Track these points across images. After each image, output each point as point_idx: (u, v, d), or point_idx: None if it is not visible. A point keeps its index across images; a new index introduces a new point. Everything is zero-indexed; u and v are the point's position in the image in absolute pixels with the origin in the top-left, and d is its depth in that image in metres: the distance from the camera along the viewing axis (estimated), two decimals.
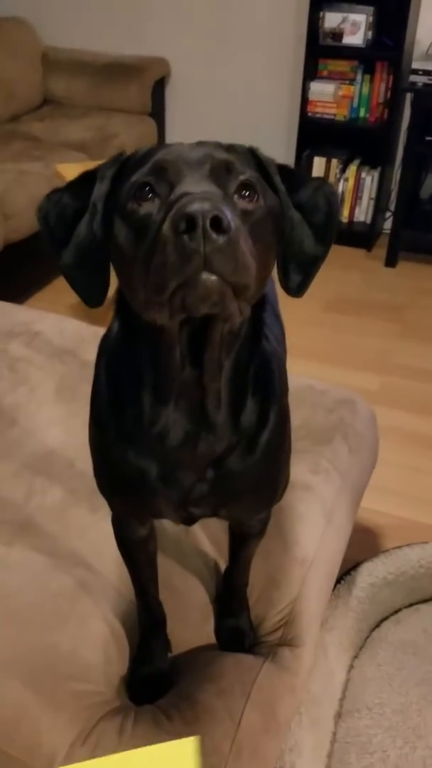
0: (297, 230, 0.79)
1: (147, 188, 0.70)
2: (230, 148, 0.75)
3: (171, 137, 4.21)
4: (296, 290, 0.80)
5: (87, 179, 0.80)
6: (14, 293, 3.17)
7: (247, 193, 0.72)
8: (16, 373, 1.72)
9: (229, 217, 0.62)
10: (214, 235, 0.61)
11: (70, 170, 2.58)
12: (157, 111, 4.03)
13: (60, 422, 1.58)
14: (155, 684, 1.13)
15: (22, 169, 3.12)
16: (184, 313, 0.66)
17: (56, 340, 1.85)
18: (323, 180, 0.83)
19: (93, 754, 0.97)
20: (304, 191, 0.80)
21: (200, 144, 0.74)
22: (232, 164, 0.72)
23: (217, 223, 0.61)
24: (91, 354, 0.96)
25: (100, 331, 0.86)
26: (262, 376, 0.88)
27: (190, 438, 0.83)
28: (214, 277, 0.63)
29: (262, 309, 0.86)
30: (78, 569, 1.25)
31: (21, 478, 1.43)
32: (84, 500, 1.37)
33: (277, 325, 1.10)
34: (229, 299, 0.65)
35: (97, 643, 1.15)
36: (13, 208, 2.96)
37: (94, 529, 1.31)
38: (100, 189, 0.78)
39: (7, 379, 1.70)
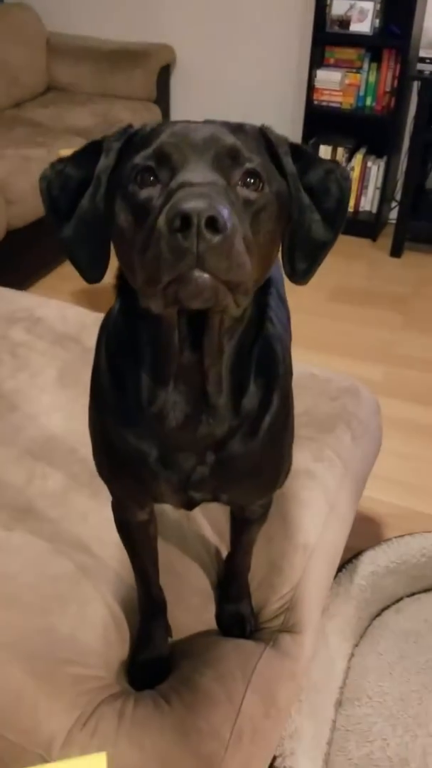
0: (305, 215, 0.77)
1: (148, 172, 0.69)
2: (239, 129, 0.74)
3: None
4: (301, 277, 0.79)
5: (92, 150, 0.78)
6: (17, 279, 3.15)
7: (252, 180, 0.70)
8: (17, 359, 1.71)
9: (225, 216, 0.61)
10: (208, 235, 0.60)
11: None
12: (162, 98, 4.01)
13: (62, 408, 1.57)
14: (155, 669, 1.13)
15: (25, 155, 3.10)
16: (178, 306, 0.66)
17: (58, 326, 1.84)
18: (336, 163, 0.81)
19: (92, 739, 0.97)
20: (315, 173, 0.78)
21: (208, 123, 0.73)
22: (237, 151, 0.70)
23: (213, 223, 0.60)
24: (93, 341, 0.95)
25: (103, 317, 0.86)
26: (265, 359, 0.87)
27: (190, 420, 0.82)
28: (206, 275, 0.62)
29: (266, 292, 0.85)
30: (78, 554, 1.24)
31: (22, 464, 1.43)
32: (85, 486, 1.37)
33: (282, 308, 1.09)
34: (222, 295, 0.64)
35: (97, 627, 1.15)
36: (16, 194, 2.94)
37: (94, 514, 1.31)
38: (105, 162, 0.76)
39: (8, 365, 1.69)
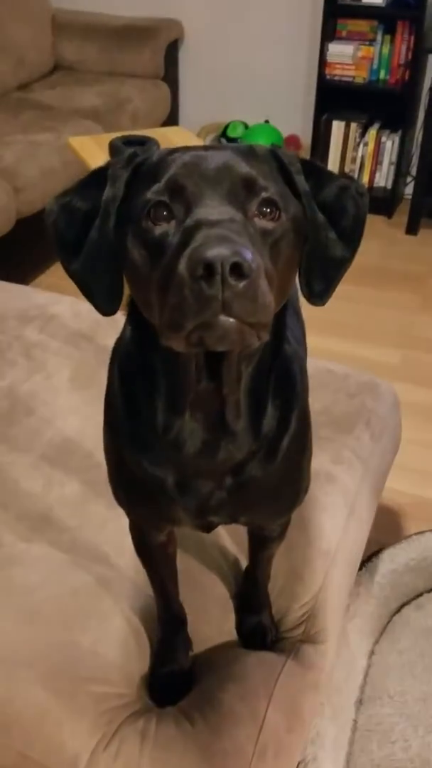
0: (321, 233, 0.75)
1: (162, 207, 0.67)
2: (250, 154, 0.71)
3: (184, 102, 4.11)
4: (319, 297, 0.77)
5: (97, 179, 0.75)
6: (28, 268, 3.14)
7: (269, 210, 0.68)
8: (32, 361, 1.69)
9: (249, 259, 0.59)
10: (233, 282, 0.58)
11: (83, 143, 2.52)
12: (171, 75, 3.94)
13: (77, 410, 1.56)
14: (177, 683, 1.12)
15: (33, 140, 3.06)
16: (202, 349, 0.64)
17: (72, 323, 1.82)
18: (350, 178, 0.79)
19: (115, 761, 0.97)
20: (329, 190, 0.76)
21: (218, 150, 0.70)
22: (253, 181, 0.68)
23: (237, 268, 0.58)
24: (107, 338, 0.93)
25: (117, 314, 0.82)
26: (283, 380, 0.85)
27: (207, 446, 0.80)
28: (232, 320, 0.60)
29: (283, 313, 0.82)
30: (97, 565, 1.24)
31: (39, 470, 1.42)
32: (102, 493, 1.35)
33: (297, 323, 1.07)
34: (248, 335, 0.62)
35: (118, 641, 1.14)
36: (25, 181, 2.91)
37: (112, 522, 1.30)
38: (111, 192, 0.74)
39: (23, 367, 1.67)
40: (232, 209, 0.65)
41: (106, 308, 0.76)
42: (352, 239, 0.76)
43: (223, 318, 0.60)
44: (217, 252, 0.58)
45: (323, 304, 0.78)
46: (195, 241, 0.61)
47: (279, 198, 0.69)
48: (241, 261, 0.58)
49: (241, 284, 0.59)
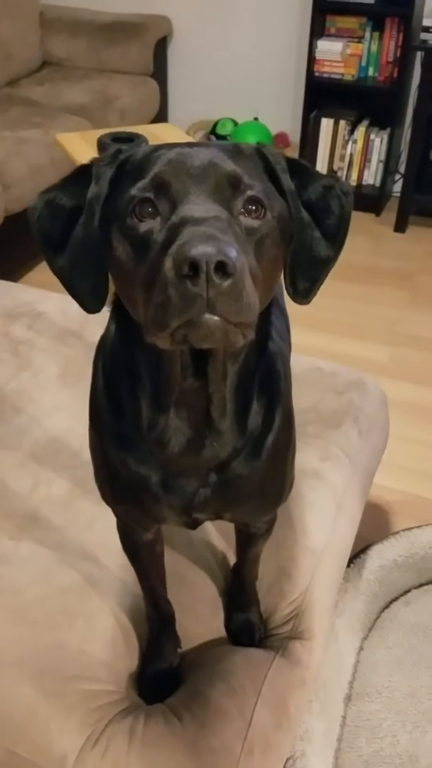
0: (305, 232, 0.75)
1: (147, 204, 0.67)
2: (236, 152, 0.71)
3: (173, 99, 4.10)
4: (303, 296, 0.77)
5: (82, 176, 0.75)
6: (16, 265, 3.12)
7: (254, 208, 0.68)
8: (19, 358, 1.69)
9: (234, 258, 0.59)
10: (218, 280, 0.58)
11: (71, 140, 2.51)
12: (160, 72, 3.93)
13: (65, 408, 1.56)
14: (165, 681, 1.13)
15: (21, 136, 3.04)
16: (187, 346, 0.64)
17: (60, 321, 1.82)
18: (335, 178, 0.79)
19: (103, 758, 0.97)
20: (314, 189, 0.76)
21: (203, 147, 0.70)
22: (238, 178, 0.68)
23: (222, 267, 0.58)
24: (95, 336, 0.92)
25: (105, 311, 0.82)
26: (267, 377, 0.85)
27: (192, 445, 0.81)
28: (216, 318, 0.60)
29: (269, 311, 0.83)
30: (85, 563, 1.23)
31: (27, 469, 1.42)
32: (90, 491, 1.35)
33: (281, 319, 1.07)
34: (232, 334, 0.62)
35: (106, 639, 1.14)
36: (13, 178, 2.90)
37: (100, 521, 1.30)
38: (96, 189, 0.74)
39: (10, 364, 1.67)
40: (218, 207, 0.65)
41: (90, 306, 0.76)
42: (336, 238, 0.76)
43: (207, 316, 0.60)
44: (202, 250, 0.58)
45: (308, 302, 0.78)
46: (180, 238, 0.60)
47: (264, 196, 0.69)
48: (226, 260, 0.58)
49: (226, 283, 0.59)
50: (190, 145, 0.71)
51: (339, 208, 0.75)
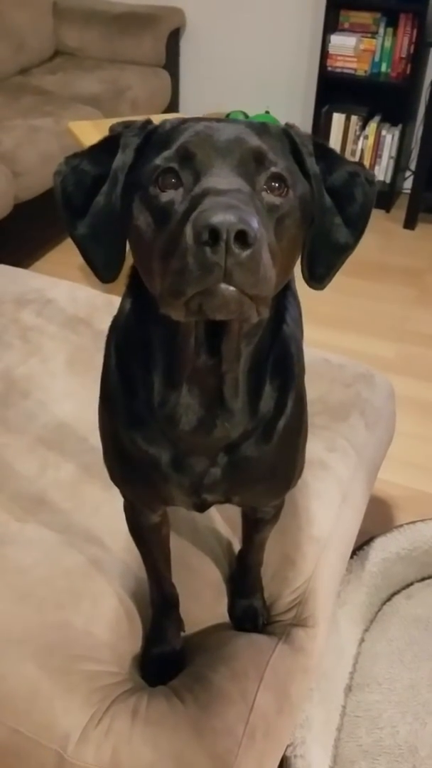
0: (327, 217, 0.75)
1: (171, 174, 0.67)
2: (263, 130, 0.71)
3: (185, 91, 4.09)
4: (318, 281, 0.77)
5: (109, 145, 0.76)
6: (26, 253, 3.13)
7: (277, 185, 0.68)
8: (28, 344, 1.69)
9: (255, 228, 0.59)
10: (236, 250, 0.58)
11: (83, 128, 2.51)
12: (172, 63, 3.92)
13: (73, 394, 1.56)
14: (168, 663, 1.13)
15: (32, 125, 3.04)
16: (201, 317, 0.64)
17: (69, 308, 1.82)
18: (361, 165, 0.78)
19: (106, 737, 0.98)
20: (339, 175, 0.76)
21: (231, 123, 0.70)
22: (263, 154, 0.68)
23: (242, 237, 0.58)
24: (104, 324, 0.93)
25: (114, 299, 0.83)
26: (281, 361, 0.85)
27: (203, 423, 0.81)
28: (232, 289, 0.60)
29: (284, 294, 0.83)
30: (90, 546, 1.24)
31: (35, 452, 1.42)
32: (97, 476, 1.36)
33: (294, 304, 1.07)
34: (247, 307, 0.62)
35: (110, 621, 1.15)
36: (24, 166, 2.90)
37: (107, 505, 1.30)
38: (122, 158, 0.74)
39: (19, 350, 1.67)
40: (241, 180, 0.65)
41: (105, 274, 0.77)
42: (357, 226, 0.76)
43: (223, 286, 0.60)
44: (222, 218, 0.58)
45: (322, 288, 0.79)
46: (202, 207, 0.60)
47: (288, 174, 0.69)
48: (247, 229, 0.58)
49: (245, 253, 0.59)
50: (218, 120, 0.72)
51: (363, 197, 0.76)
